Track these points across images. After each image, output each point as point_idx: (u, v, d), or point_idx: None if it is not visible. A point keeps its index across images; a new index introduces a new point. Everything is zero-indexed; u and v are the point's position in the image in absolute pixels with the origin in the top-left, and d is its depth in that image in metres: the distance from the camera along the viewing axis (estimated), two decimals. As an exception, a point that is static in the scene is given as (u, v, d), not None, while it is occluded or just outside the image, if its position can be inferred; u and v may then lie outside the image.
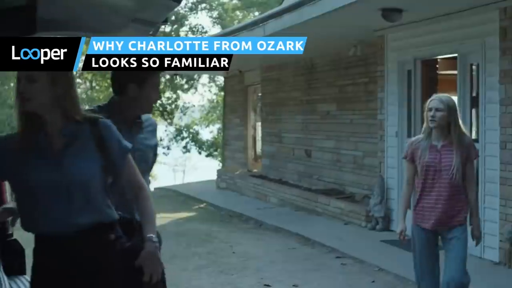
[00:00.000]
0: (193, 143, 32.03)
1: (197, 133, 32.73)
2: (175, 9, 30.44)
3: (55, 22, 4.03)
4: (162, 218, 11.13)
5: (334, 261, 8.36)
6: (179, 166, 39.92)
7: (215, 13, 31.55)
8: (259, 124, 16.40)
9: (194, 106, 33.49)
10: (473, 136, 8.54)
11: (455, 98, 8.48)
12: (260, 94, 16.02)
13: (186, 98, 47.67)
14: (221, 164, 20.74)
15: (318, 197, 11.70)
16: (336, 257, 8.55)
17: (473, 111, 8.45)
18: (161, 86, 31.01)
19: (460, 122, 5.03)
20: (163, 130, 33.22)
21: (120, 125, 3.17)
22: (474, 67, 8.32)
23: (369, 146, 10.91)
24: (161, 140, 32.84)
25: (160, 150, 33.67)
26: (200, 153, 32.20)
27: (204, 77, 30.72)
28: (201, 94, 42.21)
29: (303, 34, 10.29)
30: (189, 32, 31.25)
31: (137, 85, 3.47)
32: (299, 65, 13.56)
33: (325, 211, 11.31)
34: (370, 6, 8.37)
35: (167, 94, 31.91)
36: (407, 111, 9.57)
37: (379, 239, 9.20)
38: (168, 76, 30.45)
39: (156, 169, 36.69)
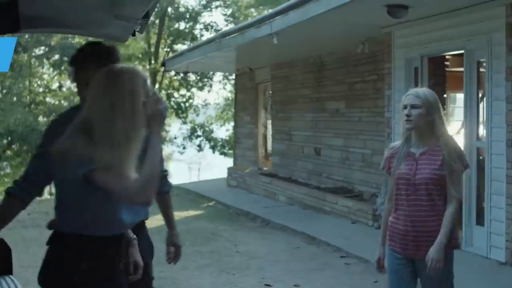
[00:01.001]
0: (207, 142, 32.05)
1: (211, 131, 32.75)
2: (192, 7, 30.45)
3: (39, 19, 3.98)
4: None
5: (338, 261, 8.26)
6: (195, 164, 39.96)
7: (229, 11, 31.51)
8: (269, 122, 16.31)
9: (209, 104, 33.50)
10: (481, 134, 8.44)
11: (462, 96, 8.43)
12: (270, 92, 15.93)
13: (202, 96, 47.70)
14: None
15: (326, 195, 11.60)
16: (341, 257, 8.45)
17: (480, 108, 8.34)
18: (176, 84, 31.15)
19: (445, 122, 4.11)
20: (177, 129, 33.33)
21: None
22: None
23: (377, 144, 10.80)
24: (175, 138, 32.96)
25: (174, 148, 33.85)
26: (213, 152, 32.23)
27: (218, 75, 30.71)
28: (216, 92, 42.37)
29: (309, 31, 10.36)
30: (203, 30, 31.26)
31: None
32: (308, 63, 13.47)
33: (333, 210, 11.21)
34: (375, 3, 8.27)
35: (181, 92, 32.01)
36: (414, 108, 9.44)
37: (386, 239, 9.08)
38: (181, 74, 30.56)
39: (171, 167, 36.93)
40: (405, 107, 4.05)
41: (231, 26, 28.04)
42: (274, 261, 8.28)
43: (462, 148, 5.15)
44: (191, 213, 12.49)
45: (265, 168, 16.02)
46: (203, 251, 8.79)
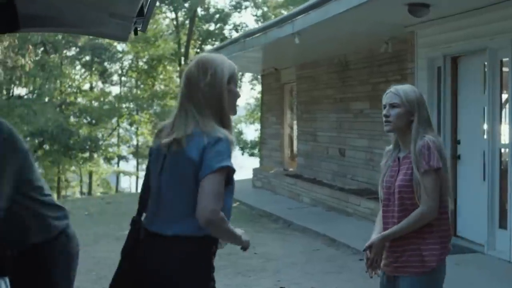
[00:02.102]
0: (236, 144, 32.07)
1: (240, 132, 32.76)
2: (220, 8, 30.45)
3: (38, 18, 3.95)
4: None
5: (357, 263, 8.12)
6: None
7: (259, 12, 31.48)
8: (295, 122, 16.21)
9: (238, 106, 33.48)
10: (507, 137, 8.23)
11: (484, 97, 8.23)
12: (295, 92, 15.83)
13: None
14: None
15: (348, 197, 11.46)
16: (360, 259, 8.29)
17: (504, 109, 8.16)
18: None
19: (427, 122, 3.59)
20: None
21: None
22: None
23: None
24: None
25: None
26: (242, 154, 32.24)
27: (248, 76, 30.70)
28: (248, 93, 42.40)
29: (331, 30, 10.24)
30: (233, 30, 31.29)
31: None
32: (333, 63, 13.35)
33: (356, 212, 11.07)
34: (396, 1, 8.13)
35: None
36: (436, 109, 9.27)
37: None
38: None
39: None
40: (384, 106, 3.66)
41: (260, 26, 27.95)
42: (292, 263, 8.18)
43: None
44: (214, 214, 12.42)
45: (290, 169, 15.92)
46: (221, 253, 8.59)
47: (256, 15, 31.68)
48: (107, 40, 30.25)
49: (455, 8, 8.37)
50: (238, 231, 3.16)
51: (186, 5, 30.51)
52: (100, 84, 33.99)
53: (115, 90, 38.80)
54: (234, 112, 3.15)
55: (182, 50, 31.45)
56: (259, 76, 28.63)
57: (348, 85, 12.83)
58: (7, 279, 4.26)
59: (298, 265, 8.12)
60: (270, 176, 15.64)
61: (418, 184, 3.46)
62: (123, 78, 34.69)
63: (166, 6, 31.28)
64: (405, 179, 3.51)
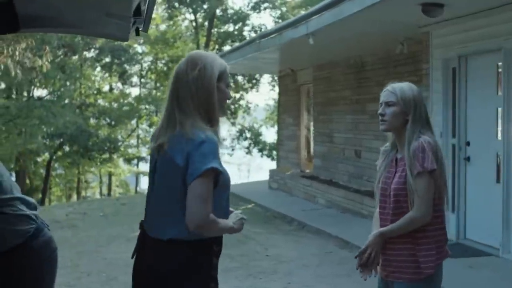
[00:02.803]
0: (254, 146, 32.05)
1: (259, 134, 32.72)
2: (237, 9, 30.43)
3: (37, 19, 3.94)
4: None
5: (369, 266, 8.05)
6: (244, 165, 40.00)
7: (277, 13, 31.41)
8: (312, 124, 16.13)
9: (257, 106, 33.48)
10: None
11: (498, 98, 8.13)
12: (312, 94, 15.76)
13: (252, 98, 47.53)
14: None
15: (363, 198, 11.38)
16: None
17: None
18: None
19: (423, 122, 3.46)
20: (226, 130, 33.43)
21: None
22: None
23: (416, 147, 10.53)
24: (224, 140, 33.04)
25: (224, 150, 33.95)
26: (261, 156, 32.21)
27: (266, 77, 30.64)
28: (264, 94, 42.32)
29: (346, 31, 10.17)
30: (252, 31, 31.23)
31: None
32: (349, 64, 13.26)
33: (371, 213, 10.95)
34: (410, 1, 8.04)
35: (230, 93, 32.03)
36: (452, 110, 9.17)
37: (421, 244, 8.83)
38: (230, 76, 30.59)
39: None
40: (380, 105, 3.53)
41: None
42: (303, 266, 8.12)
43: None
44: (228, 215, 12.38)
45: (307, 171, 15.85)
46: (233, 254, 8.68)
47: (274, 16, 31.62)
48: (126, 42, 30.38)
49: (469, 8, 8.27)
50: (232, 219, 3.08)
51: (205, 6, 30.54)
52: (119, 85, 34.13)
53: (135, 91, 39.08)
54: (223, 113, 3.08)
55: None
56: (275, 77, 28.69)
57: (364, 86, 12.73)
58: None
59: (310, 267, 8.06)
60: (286, 178, 15.58)
61: (411, 187, 3.35)
62: (142, 80, 34.82)
63: (185, 8, 31.34)
64: (400, 182, 3.40)
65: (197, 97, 2.94)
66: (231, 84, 31.19)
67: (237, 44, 29.58)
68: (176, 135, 2.90)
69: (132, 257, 3.16)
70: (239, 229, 3.09)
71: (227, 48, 30.73)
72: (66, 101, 27.71)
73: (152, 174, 3.05)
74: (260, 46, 12.64)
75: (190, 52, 3.13)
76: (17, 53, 13.79)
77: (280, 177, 15.95)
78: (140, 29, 4.18)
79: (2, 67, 13.86)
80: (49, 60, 15.24)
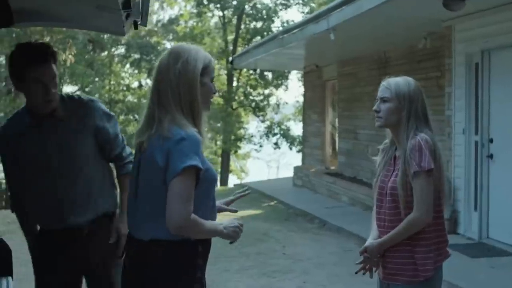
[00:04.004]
0: (284, 139, 31.87)
1: (288, 129, 32.53)
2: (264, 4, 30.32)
3: (31, 13, 3.88)
4: (226, 216, 10.94)
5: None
6: (273, 161, 39.85)
7: (306, 9, 31.21)
8: (337, 120, 15.95)
9: (286, 103, 33.27)
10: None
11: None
12: (337, 90, 15.58)
13: (281, 95, 47.45)
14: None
15: (386, 196, 11.17)
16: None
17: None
18: (253, 82, 31.08)
19: (420, 118, 3.32)
20: (254, 127, 33.31)
21: None
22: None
23: (442, 144, 10.31)
24: (252, 136, 32.94)
25: (251, 147, 33.87)
26: (291, 148, 32.00)
27: (294, 73, 30.46)
28: (293, 91, 42.17)
29: (366, 25, 9.99)
30: (281, 28, 31.06)
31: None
32: (373, 59, 13.07)
33: (393, 212, 10.78)
34: (430, -6, 7.87)
35: (259, 90, 31.93)
36: (474, 107, 8.96)
37: (442, 243, 8.63)
38: (258, 71, 30.47)
39: (249, 164, 36.93)
40: (376, 100, 3.43)
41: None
42: (320, 264, 7.99)
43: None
44: (249, 212, 12.30)
45: (332, 167, 15.67)
46: (250, 253, 8.57)
47: (303, 12, 31.41)
48: (154, 39, 30.44)
49: (492, 1, 8.04)
50: (225, 223, 2.96)
51: (234, 2, 30.45)
52: (148, 81, 34.20)
53: (164, 88, 39.15)
54: (207, 108, 2.96)
55: (230, 48, 31.38)
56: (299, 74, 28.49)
57: (387, 82, 12.52)
58: (10, 279, 4.21)
59: (327, 266, 7.92)
60: (310, 175, 15.42)
61: (405, 186, 3.21)
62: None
63: (214, 4, 31.27)
64: (397, 181, 3.26)
65: (179, 92, 2.82)
66: (260, 81, 31.09)
67: (259, 39, 29.58)
68: (155, 133, 2.80)
69: (121, 257, 3.09)
70: (231, 236, 2.97)
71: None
72: (96, 96, 27.82)
73: (135, 173, 2.95)
74: (283, 42, 12.51)
75: (174, 45, 3.02)
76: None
77: (304, 174, 15.80)
78: (138, 23, 4.08)
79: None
80: (73, 53, 15.32)
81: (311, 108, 17.43)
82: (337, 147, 15.84)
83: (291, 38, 12.05)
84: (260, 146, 32.83)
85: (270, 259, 8.31)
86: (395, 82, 3.40)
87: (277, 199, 13.98)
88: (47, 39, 13.62)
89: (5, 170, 3.82)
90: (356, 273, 3.50)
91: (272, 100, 32.50)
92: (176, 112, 2.79)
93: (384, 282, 3.43)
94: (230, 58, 21.76)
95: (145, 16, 4.02)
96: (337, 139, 15.85)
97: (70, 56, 15.28)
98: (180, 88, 2.81)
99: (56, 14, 3.73)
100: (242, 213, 11.93)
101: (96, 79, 27.90)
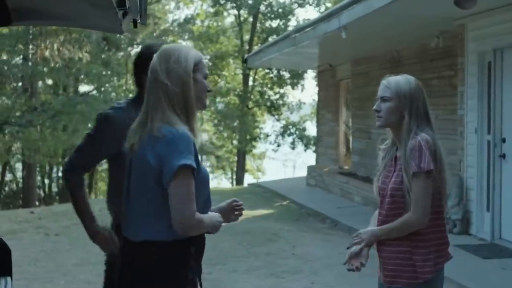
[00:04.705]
0: (299, 140, 31.78)
1: (304, 129, 32.43)
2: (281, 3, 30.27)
3: (29, 11, 3.86)
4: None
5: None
6: (289, 161, 39.75)
7: (322, 8, 31.11)
8: (351, 119, 15.86)
9: (304, 103, 33.17)
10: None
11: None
12: (350, 89, 15.49)
13: (297, 95, 47.30)
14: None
15: (398, 196, 11.08)
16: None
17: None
18: (269, 82, 31.00)
19: (421, 118, 3.26)
20: (270, 126, 33.26)
21: None
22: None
23: (453, 144, 10.21)
24: (268, 136, 32.88)
25: (268, 146, 33.81)
26: (305, 150, 31.92)
27: (310, 72, 30.38)
28: (309, 91, 42.04)
29: (378, 24, 9.91)
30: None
31: None
32: (386, 58, 12.97)
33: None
34: (441, -8, 7.78)
35: (275, 89, 31.87)
36: (487, 106, 8.85)
37: (453, 244, 8.46)
38: (275, 72, 30.43)
39: (265, 164, 36.87)
40: (377, 99, 3.35)
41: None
42: (329, 265, 7.92)
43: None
44: (261, 212, 12.25)
45: (346, 167, 15.59)
46: (259, 253, 8.52)
47: (319, 11, 31.30)
48: (170, 38, 30.44)
49: (504, -1, 7.96)
50: (212, 217, 2.93)
51: (250, 1, 30.41)
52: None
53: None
54: (202, 106, 2.94)
55: (246, 47, 31.35)
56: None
57: (400, 81, 12.43)
58: (9, 279, 4.20)
59: (336, 266, 7.83)
60: (323, 174, 15.35)
61: (406, 187, 3.16)
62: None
63: (230, 3, 31.25)
64: (398, 181, 3.23)
65: (172, 91, 2.81)
66: (276, 80, 31.00)
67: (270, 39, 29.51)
68: (147, 133, 2.79)
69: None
70: (216, 229, 2.97)
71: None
72: (112, 96, 27.88)
73: (128, 173, 2.93)
74: (295, 41, 12.45)
75: (164, 45, 3.00)
76: (55, 45, 13.97)
77: (318, 174, 15.73)
78: (138, 21, 4.05)
79: (38, 59, 14.06)
80: (88, 51, 15.39)
81: (325, 108, 17.36)
82: (350, 147, 15.76)
83: (303, 37, 11.99)
84: (278, 145, 32.76)
85: (279, 259, 8.26)
86: (395, 81, 3.32)
87: (289, 198, 13.92)
88: (61, 38, 13.70)
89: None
90: (344, 263, 3.43)
91: (288, 99, 32.44)
92: (168, 111, 2.79)
93: (384, 284, 3.37)
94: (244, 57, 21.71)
95: (144, 14, 3.99)
96: (350, 138, 15.77)
97: (85, 54, 15.34)
98: (172, 87, 2.80)
99: (53, 12, 3.72)
100: (254, 212, 11.93)
101: (113, 78, 27.96)
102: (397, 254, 3.25)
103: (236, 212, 3.16)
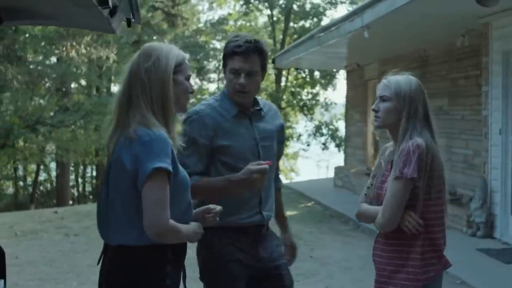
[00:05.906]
0: (331, 140, 31.57)
1: (336, 129, 32.22)
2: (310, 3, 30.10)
3: (19, 11, 3.82)
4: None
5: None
6: (323, 161, 39.54)
7: (353, 7, 30.89)
8: (379, 120, 15.67)
9: (335, 104, 32.94)
10: None
11: None
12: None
13: (329, 95, 46.95)
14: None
15: (423, 198, 10.87)
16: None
17: None
18: (301, 82, 30.85)
19: (420, 119, 3.13)
20: (302, 126, 33.12)
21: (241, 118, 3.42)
22: None
23: (478, 145, 9.99)
24: (300, 136, 32.75)
25: (299, 146, 33.65)
26: (339, 150, 31.70)
27: (342, 72, 30.18)
28: (342, 91, 41.73)
29: (401, 22, 9.74)
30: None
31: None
32: (413, 58, 12.76)
33: (430, 214, 10.48)
34: (462, -10, 7.59)
35: (307, 89, 31.73)
36: (511, 106, 8.63)
37: (476, 247, 8.31)
38: (307, 71, 30.27)
39: (299, 164, 36.72)
40: (376, 99, 3.22)
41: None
42: (346, 269, 7.79)
43: None
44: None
45: (373, 168, 15.36)
46: (276, 255, 8.40)
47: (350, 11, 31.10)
48: (202, 38, 30.48)
49: (529, -4, 7.73)
50: (189, 228, 2.81)
51: (282, 1, 30.32)
52: (198, 81, 34.28)
53: (212, 87, 39.21)
54: (182, 109, 2.85)
55: (278, 47, 31.27)
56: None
57: (427, 80, 12.13)
58: (2, 282, 4.16)
59: (353, 270, 7.72)
60: (350, 175, 15.18)
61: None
62: (221, 75, 34.88)
63: (262, 3, 31.20)
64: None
65: (150, 91, 2.73)
66: (308, 80, 30.84)
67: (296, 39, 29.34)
68: (123, 135, 2.71)
69: (97, 263, 3.00)
70: (192, 241, 2.90)
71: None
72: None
73: (106, 176, 2.85)
74: (320, 40, 12.33)
75: (146, 44, 2.91)
76: (82, 45, 14.05)
77: (345, 175, 15.56)
78: (132, 20, 3.99)
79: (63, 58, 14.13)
80: (114, 51, 15.46)
81: (353, 108, 17.18)
82: (378, 148, 15.56)
83: (328, 36, 11.87)
84: (308, 145, 32.59)
85: (296, 262, 8.10)
86: (396, 81, 3.18)
87: (314, 199, 13.79)
88: (87, 38, 13.78)
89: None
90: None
91: (320, 99, 32.25)
92: (146, 112, 2.71)
93: None
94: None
95: (136, 13, 3.93)
96: (378, 139, 15.56)
97: (112, 55, 15.41)
98: (151, 87, 2.72)
99: (41, 12, 3.67)
100: (277, 214, 11.79)
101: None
102: (392, 260, 3.15)
103: (207, 215, 3.00)
